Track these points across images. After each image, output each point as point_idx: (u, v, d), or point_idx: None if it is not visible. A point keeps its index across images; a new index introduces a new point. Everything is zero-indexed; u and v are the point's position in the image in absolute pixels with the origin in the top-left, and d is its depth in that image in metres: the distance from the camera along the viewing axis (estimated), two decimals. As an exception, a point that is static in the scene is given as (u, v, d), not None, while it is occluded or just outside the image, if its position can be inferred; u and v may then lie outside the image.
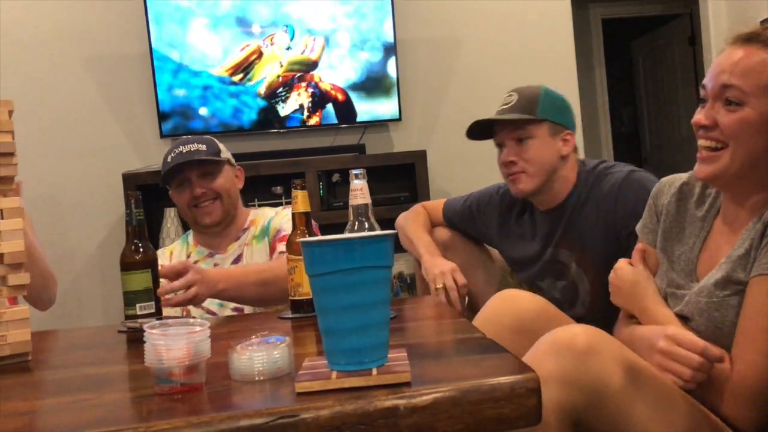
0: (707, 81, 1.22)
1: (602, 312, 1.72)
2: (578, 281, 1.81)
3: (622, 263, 1.40)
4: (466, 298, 1.86)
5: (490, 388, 0.83)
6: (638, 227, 1.45)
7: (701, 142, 1.22)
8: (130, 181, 3.14)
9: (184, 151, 1.87)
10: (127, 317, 1.38)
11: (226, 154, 1.96)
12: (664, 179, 1.42)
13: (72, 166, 3.41)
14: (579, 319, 1.72)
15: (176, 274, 1.51)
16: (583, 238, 1.78)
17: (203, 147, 1.89)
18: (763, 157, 1.18)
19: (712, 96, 1.20)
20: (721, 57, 1.22)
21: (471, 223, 2.02)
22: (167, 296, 1.48)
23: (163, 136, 3.36)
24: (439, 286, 1.81)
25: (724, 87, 1.18)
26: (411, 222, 2.07)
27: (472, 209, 2.01)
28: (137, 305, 1.36)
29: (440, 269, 1.84)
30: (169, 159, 1.88)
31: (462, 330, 1.24)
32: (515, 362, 0.93)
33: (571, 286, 1.83)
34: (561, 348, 1.11)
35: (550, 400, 1.03)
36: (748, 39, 1.20)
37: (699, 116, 1.22)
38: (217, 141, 1.96)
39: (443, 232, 2.05)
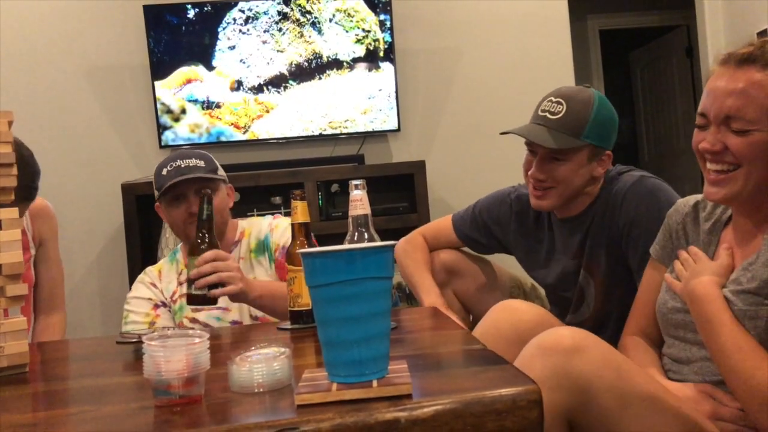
0: (707, 109, 1.19)
1: (606, 315, 1.76)
2: (585, 285, 1.79)
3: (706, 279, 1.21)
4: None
5: (491, 401, 0.82)
6: (652, 248, 1.45)
7: (711, 166, 1.19)
8: (129, 191, 3.13)
9: (182, 165, 1.81)
10: (188, 297, 1.57)
11: (221, 171, 1.90)
12: (681, 200, 1.42)
13: (71, 177, 3.41)
14: (584, 322, 1.77)
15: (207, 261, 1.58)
16: (592, 245, 1.76)
17: (201, 163, 1.84)
18: None
19: (716, 122, 1.18)
20: (719, 82, 1.18)
21: (485, 231, 1.96)
22: (201, 280, 1.55)
23: (162, 146, 3.36)
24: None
25: (728, 117, 1.16)
26: (410, 258, 1.99)
27: (483, 217, 1.96)
28: (193, 286, 1.56)
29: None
30: (164, 172, 1.82)
31: (463, 341, 1.24)
32: (517, 374, 0.92)
33: (578, 289, 1.81)
34: (547, 349, 1.13)
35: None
36: (744, 61, 1.16)
37: (705, 143, 1.19)
38: (213, 157, 1.91)
39: (447, 255, 2.00)
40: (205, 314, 1.84)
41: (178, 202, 1.83)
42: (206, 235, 1.59)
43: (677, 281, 1.29)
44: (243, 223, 1.96)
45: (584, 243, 1.77)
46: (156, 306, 1.86)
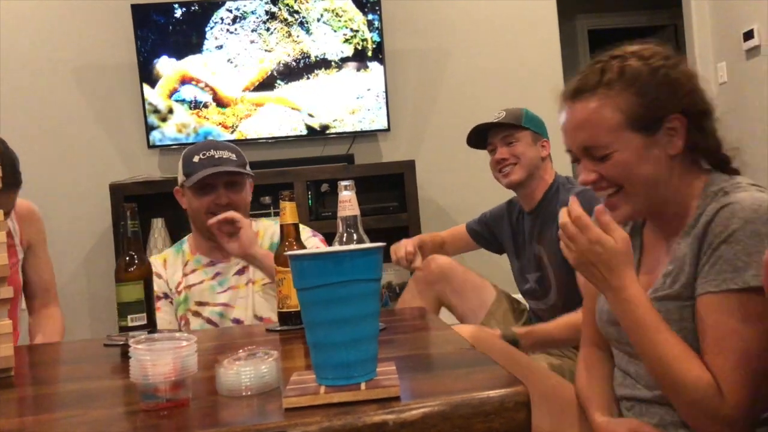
0: (569, 146, 1.25)
1: (572, 299, 2.02)
2: (549, 273, 2.13)
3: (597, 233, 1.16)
4: (415, 262, 2.28)
5: (479, 402, 0.82)
6: None
7: (600, 194, 1.24)
8: (118, 191, 3.12)
9: (216, 156, 1.82)
10: (120, 329, 1.38)
11: (248, 167, 1.91)
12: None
13: (59, 176, 3.39)
14: (553, 306, 2.10)
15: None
16: (550, 239, 2.07)
17: (233, 156, 1.85)
18: (660, 177, 1.19)
19: (580, 156, 1.23)
20: (564, 119, 1.24)
21: (487, 228, 2.44)
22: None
23: (150, 146, 3.35)
24: (400, 254, 2.28)
25: (586, 149, 1.21)
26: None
27: (487, 216, 2.45)
28: (129, 317, 1.35)
29: (398, 243, 2.30)
30: (195, 159, 1.81)
31: (451, 343, 1.24)
32: (504, 375, 0.92)
33: (545, 277, 2.15)
34: None
35: None
36: (576, 93, 1.22)
37: (582, 177, 1.24)
38: (241, 151, 1.91)
39: (443, 260, 2.31)
40: (209, 310, 1.83)
41: (204, 192, 1.83)
42: (135, 256, 1.36)
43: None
44: (256, 224, 1.96)
45: (541, 232, 2.12)
46: (158, 298, 1.84)
